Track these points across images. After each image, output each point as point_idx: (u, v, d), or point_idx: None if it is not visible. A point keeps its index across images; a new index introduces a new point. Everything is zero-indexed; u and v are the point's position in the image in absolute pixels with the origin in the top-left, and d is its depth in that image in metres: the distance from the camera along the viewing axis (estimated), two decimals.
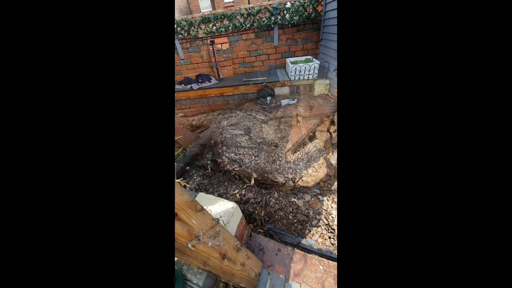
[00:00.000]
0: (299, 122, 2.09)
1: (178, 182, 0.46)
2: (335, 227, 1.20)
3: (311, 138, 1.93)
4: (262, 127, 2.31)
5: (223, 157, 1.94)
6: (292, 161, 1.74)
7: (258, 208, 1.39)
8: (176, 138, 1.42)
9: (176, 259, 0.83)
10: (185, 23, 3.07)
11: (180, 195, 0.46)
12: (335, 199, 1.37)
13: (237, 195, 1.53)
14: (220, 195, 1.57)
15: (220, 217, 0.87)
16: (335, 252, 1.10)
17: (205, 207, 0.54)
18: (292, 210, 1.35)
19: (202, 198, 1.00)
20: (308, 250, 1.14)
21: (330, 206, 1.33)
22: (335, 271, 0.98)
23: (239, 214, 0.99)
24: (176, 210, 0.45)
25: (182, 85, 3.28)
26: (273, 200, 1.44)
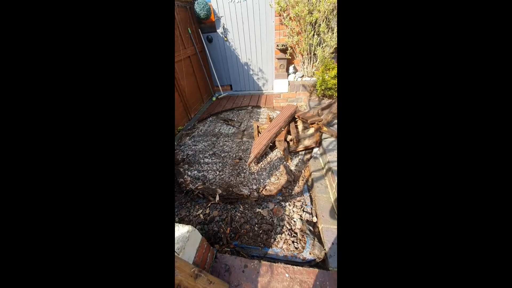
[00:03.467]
0: (260, 133, 2.20)
1: None
2: (297, 230, 1.26)
3: (272, 147, 2.05)
4: (225, 141, 2.31)
5: (185, 176, 1.82)
6: (255, 172, 1.79)
7: (223, 226, 1.34)
8: None
9: None
10: None
11: None
12: (296, 203, 1.46)
13: (201, 215, 1.44)
14: (181, 219, 1.44)
15: None
16: (300, 256, 1.14)
17: None
18: (258, 221, 1.35)
19: None
20: (274, 259, 1.15)
21: (291, 210, 1.40)
22: (300, 277, 1.01)
23: (197, 238, 0.93)
24: None
25: None
26: (238, 214, 1.42)
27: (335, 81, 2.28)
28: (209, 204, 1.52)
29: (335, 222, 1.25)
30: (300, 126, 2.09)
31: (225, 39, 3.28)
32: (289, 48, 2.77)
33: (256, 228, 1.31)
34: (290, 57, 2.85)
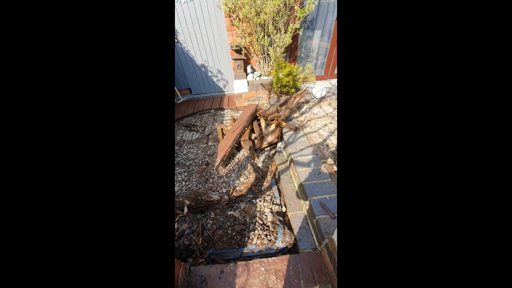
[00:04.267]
0: (224, 135, 2.18)
1: None
2: (269, 223, 1.32)
3: (238, 148, 2.06)
4: (190, 148, 2.19)
5: None
6: (224, 175, 1.77)
7: (194, 238, 1.27)
8: None
9: None
10: None
11: None
12: (265, 198, 1.52)
13: None
14: None
15: None
16: (273, 247, 1.20)
17: None
18: (230, 224, 1.35)
19: None
20: (250, 256, 1.17)
21: (262, 205, 1.45)
22: (275, 266, 1.06)
23: None
24: None
25: None
26: (210, 221, 1.37)
27: (288, 78, 2.46)
28: (177, 219, 1.42)
29: (301, 207, 1.36)
30: (262, 123, 2.17)
31: (176, 40, 3.08)
32: (243, 49, 2.82)
33: (229, 231, 1.30)
34: (245, 58, 2.90)
